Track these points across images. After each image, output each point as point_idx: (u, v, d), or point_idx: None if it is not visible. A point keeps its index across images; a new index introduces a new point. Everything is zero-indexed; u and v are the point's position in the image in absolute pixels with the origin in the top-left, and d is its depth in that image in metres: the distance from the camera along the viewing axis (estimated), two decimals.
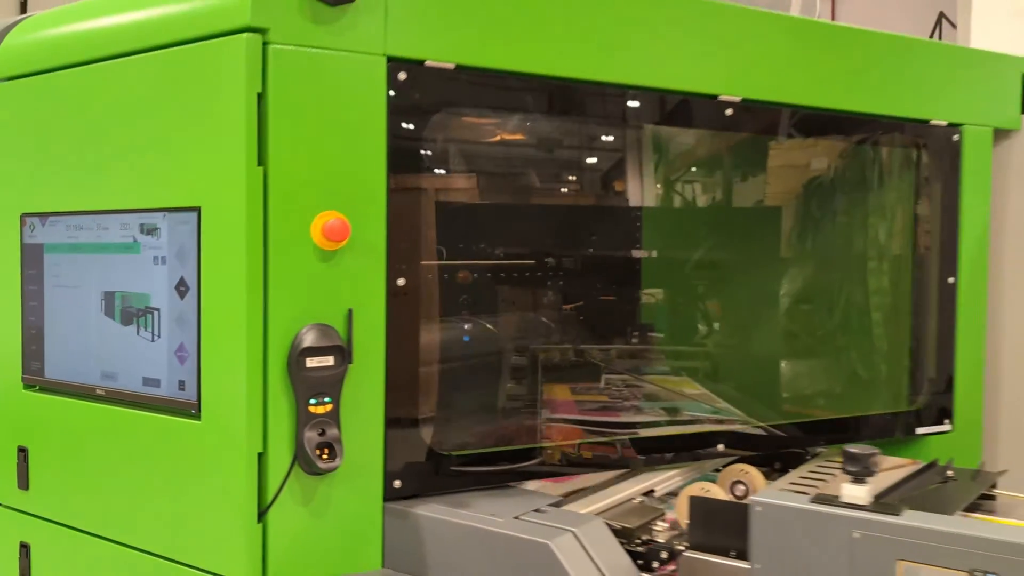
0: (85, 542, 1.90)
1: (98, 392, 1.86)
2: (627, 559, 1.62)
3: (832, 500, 1.48)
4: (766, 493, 1.59)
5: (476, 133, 2.10)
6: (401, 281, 1.71)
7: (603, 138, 2.32)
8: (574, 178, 2.40)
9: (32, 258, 2.00)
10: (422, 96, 1.73)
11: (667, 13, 2.00)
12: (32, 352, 2.01)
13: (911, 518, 1.42)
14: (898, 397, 2.50)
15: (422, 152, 1.78)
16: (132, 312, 1.79)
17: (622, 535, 1.69)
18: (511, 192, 2.10)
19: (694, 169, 2.56)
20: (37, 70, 1.96)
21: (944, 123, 2.42)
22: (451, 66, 1.75)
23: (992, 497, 2.11)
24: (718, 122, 2.08)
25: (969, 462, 2.31)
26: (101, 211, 1.82)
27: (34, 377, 2.00)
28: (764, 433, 2.22)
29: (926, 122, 2.40)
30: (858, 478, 1.47)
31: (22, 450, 2.04)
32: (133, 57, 1.75)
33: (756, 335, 2.61)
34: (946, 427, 2.47)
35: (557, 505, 1.77)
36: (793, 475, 2.09)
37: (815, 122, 2.30)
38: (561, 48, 1.85)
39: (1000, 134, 2.57)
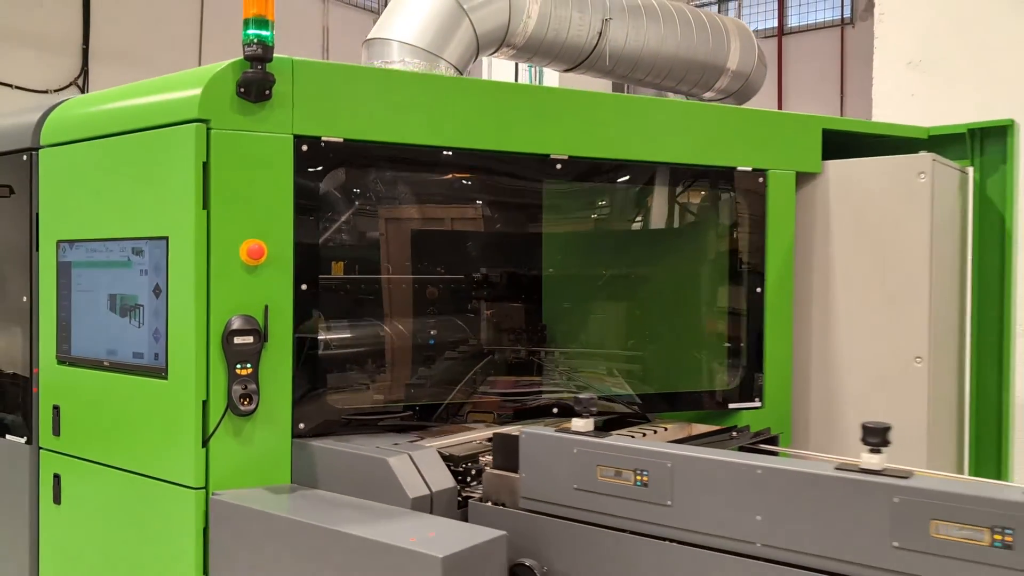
0: (95, 469, 2.72)
1: (104, 364, 2.69)
2: (447, 474, 2.38)
3: (566, 430, 2.23)
4: (529, 430, 2.33)
5: (358, 183, 2.89)
6: (304, 286, 2.51)
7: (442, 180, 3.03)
8: (428, 211, 3.15)
9: (64, 271, 2.85)
10: (319, 160, 2.53)
11: (503, 98, 2.78)
12: (63, 337, 2.84)
13: (608, 439, 2.16)
14: (718, 379, 3.21)
15: (319, 198, 2.58)
16: (127, 308, 2.62)
17: (449, 460, 2.44)
18: (384, 222, 2.89)
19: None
20: (66, 140, 2.81)
21: (750, 168, 3.15)
22: (340, 140, 2.55)
23: (774, 453, 2.83)
24: (551, 173, 2.84)
25: (779, 431, 3.02)
26: (106, 239, 2.65)
27: (64, 355, 2.84)
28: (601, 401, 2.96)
29: (734, 168, 3.13)
30: (584, 415, 2.22)
31: (55, 408, 2.88)
32: (126, 135, 2.58)
33: (618, 329, 3.35)
34: (756, 404, 3.18)
35: (413, 442, 2.53)
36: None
37: (640, 171, 3.05)
38: (419, 126, 2.64)
39: (805, 176, 3.28)
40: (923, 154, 3.09)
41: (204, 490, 2.42)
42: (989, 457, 3.47)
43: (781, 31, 15.79)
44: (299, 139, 2.49)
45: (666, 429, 2.97)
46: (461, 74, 4.86)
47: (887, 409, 3.13)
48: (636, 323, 3.36)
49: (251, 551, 2.28)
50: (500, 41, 5.06)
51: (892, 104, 5.04)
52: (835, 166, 3.25)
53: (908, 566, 1.69)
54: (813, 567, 1.81)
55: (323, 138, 2.52)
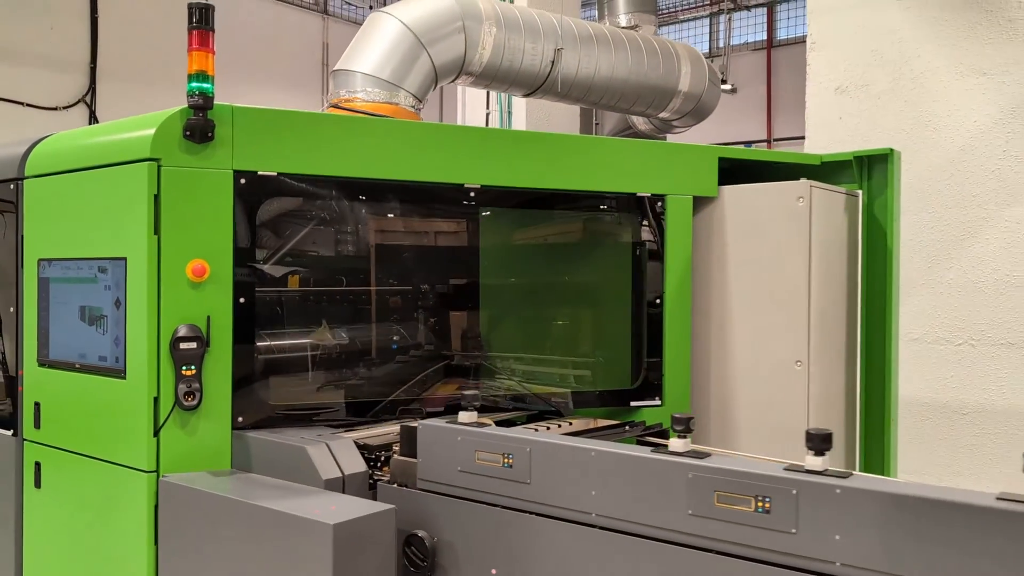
0: (69, 457, 3.15)
1: (76, 366, 3.11)
2: (360, 460, 2.79)
3: (454, 422, 2.63)
4: (426, 422, 2.73)
5: (289, 210, 3.30)
6: (241, 299, 2.93)
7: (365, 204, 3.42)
8: (351, 233, 3.55)
9: (43, 286, 3.28)
10: (255, 191, 2.95)
11: (419, 135, 3.20)
12: (43, 343, 3.28)
13: (484, 429, 2.56)
14: (623, 380, 3.61)
15: (255, 224, 3.00)
16: (94, 317, 3.05)
17: (364, 449, 2.85)
18: (312, 243, 3.32)
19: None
20: (46, 172, 3.25)
21: (649, 194, 3.55)
22: (274, 173, 2.97)
23: (659, 444, 3.21)
24: (465, 200, 3.26)
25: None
26: (77, 258, 3.08)
27: (43, 359, 3.28)
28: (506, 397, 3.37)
29: (634, 194, 3.53)
30: (468, 408, 2.63)
31: (36, 404, 3.31)
32: (92, 170, 3.02)
33: (538, 335, 3.76)
34: (657, 402, 3.58)
35: (335, 434, 2.94)
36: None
37: (552, 198, 3.46)
38: (342, 160, 3.06)
39: (703, 200, 3.67)
40: (802, 181, 3.48)
41: (155, 473, 2.84)
42: (877, 450, 3.84)
43: (771, 44, 16.15)
44: (238, 173, 2.91)
45: (571, 424, 3.38)
46: (421, 101, 5.30)
47: (772, 406, 3.52)
48: (553, 331, 3.77)
49: (192, 525, 2.70)
50: (458, 70, 5.51)
51: (824, 126, 5.43)
52: (729, 191, 3.65)
53: (698, 529, 2.09)
54: (632, 532, 2.21)
55: (259, 172, 2.94)
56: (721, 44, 16.50)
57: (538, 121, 7.13)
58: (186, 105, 2.82)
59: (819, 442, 2.05)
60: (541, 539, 2.39)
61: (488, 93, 7.07)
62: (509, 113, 7.04)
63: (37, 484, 3.30)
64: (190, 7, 2.82)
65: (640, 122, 7.17)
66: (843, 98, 5.34)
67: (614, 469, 2.24)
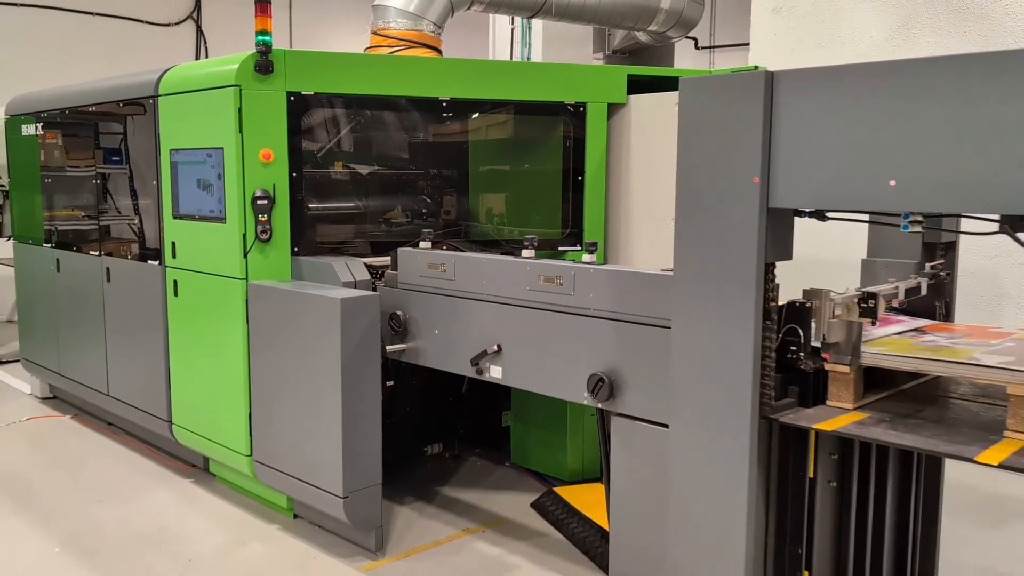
0: (194, 275, 5.03)
1: (196, 216, 4.94)
2: (366, 272, 4.53)
3: (415, 247, 4.34)
4: (405, 248, 4.42)
5: (333, 121, 4.98)
6: (294, 174, 4.66)
7: (393, 116, 5.11)
8: (369, 130, 5.23)
9: (173, 167, 5.10)
10: (300, 104, 4.64)
11: (406, 65, 4.81)
12: (174, 203, 5.10)
13: (432, 250, 4.27)
14: (556, 232, 5.24)
15: (302, 127, 4.70)
16: (205, 185, 4.85)
17: (370, 267, 4.59)
18: (341, 139, 5.02)
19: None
20: (171, 92, 5.01)
21: (573, 102, 5.08)
22: (312, 93, 4.64)
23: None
24: (440, 109, 4.87)
25: None
26: (194, 148, 4.87)
27: (175, 213, 5.11)
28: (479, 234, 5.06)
29: (562, 102, 5.07)
30: (425, 240, 4.32)
31: (172, 243, 5.17)
32: (201, 91, 4.76)
33: (498, 201, 5.42)
34: (578, 248, 5.20)
35: (352, 259, 4.68)
36: None
37: (503, 106, 5.03)
38: (359, 83, 4.70)
39: (616, 106, 5.18)
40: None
41: (245, 280, 4.66)
42: None
43: None
44: (289, 93, 4.60)
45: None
46: (440, 27, 6.87)
47: (651, 245, 5.09)
48: (511, 199, 5.42)
49: (267, 309, 4.52)
50: (470, 2, 7.05)
51: (763, 38, 6.73)
52: (634, 100, 5.15)
53: (532, 297, 3.74)
54: (502, 302, 3.88)
55: (302, 92, 4.62)
56: None
57: (554, 35, 8.54)
58: (255, 50, 4.51)
59: (589, 250, 3.69)
60: (460, 310, 4.09)
61: (513, 19, 8.46)
62: (529, 28, 8.48)
63: (175, 294, 5.21)
64: None
65: (640, 35, 8.50)
66: (777, 17, 6.62)
67: (498, 270, 3.91)
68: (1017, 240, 2.36)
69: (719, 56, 18.23)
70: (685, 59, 18.21)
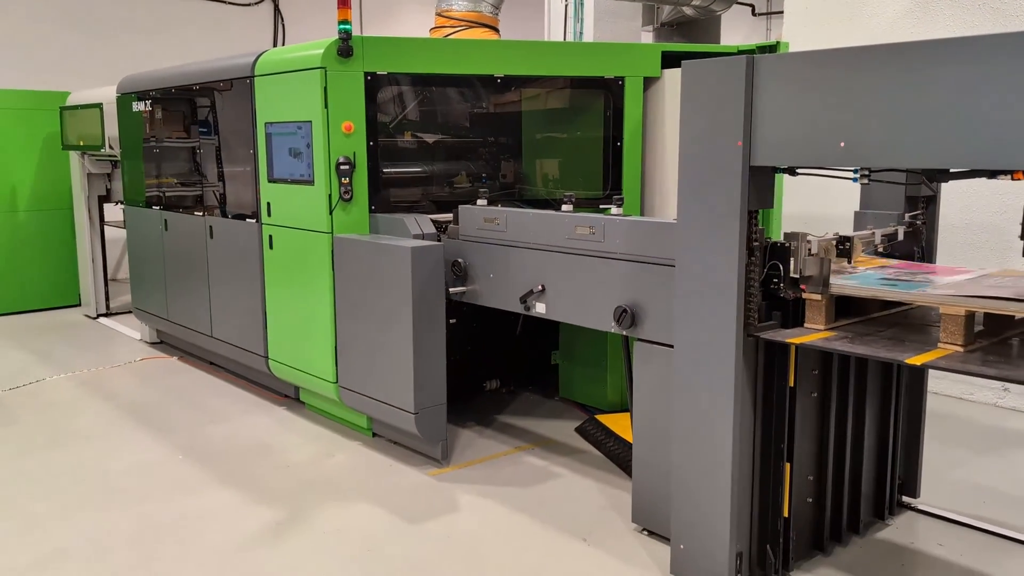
0: (287, 231, 5.88)
1: (288, 180, 5.78)
2: (432, 226, 5.31)
3: (473, 205, 5.10)
4: (466, 206, 5.18)
5: (403, 97, 5.74)
6: (371, 143, 5.45)
7: (462, 93, 5.85)
8: (437, 104, 5.97)
9: (268, 138, 5.94)
10: (376, 83, 5.41)
11: (464, 47, 5.54)
12: (269, 169, 5.95)
13: (488, 207, 5.02)
14: (598, 191, 5.94)
15: (377, 103, 5.48)
16: (295, 153, 5.67)
17: (436, 222, 5.37)
18: (427, 117, 5.78)
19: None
20: (266, 73, 5.84)
21: (613, 76, 5.75)
22: (386, 73, 5.41)
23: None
24: (494, 85, 5.60)
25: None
26: (286, 121, 5.69)
27: (271, 177, 5.95)
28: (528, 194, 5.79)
29: (603, 77, 5.74)
30: (482, 198, 5.08)
31: (268, 203, 6.04)
32: (291, 72, 5.57)
33: (547, 166, 6.14)
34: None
35: (424, 215, 5.47)
36: None
37: (550, 81, 5.73)
38: (425, 63, 5.46)
39: (651, 80, 5.83)
40: None
41: (331, 234, 5.48)
42: None
43: None
44: (366, 74, 5.38)
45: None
46: (498, 8, 7.57)
47: None
48: (558, 163, 6.13)
49: (350, 258, 5.34)
50: None
51: (796, 15, 7.26)
52: (668, 73, 5.78)
53: (570, 244, 4.47)
54: (547, 249, 4.61)
55: (377, 72, 5.40)
56: None
57: (605, 10, 9.15)
58: (338, 36, 5.30)
59: (617, 204, 4.39)
60: (511, 257, 4.85)
61: None
62: (581, 5, 9.09)
63: (271, 247, 6.08)
64: None
65: (687, 9, 9.04)
66: None
67: (542, 222, 4.65)
68: (929, 186, 3.01)
69: (776, 22, 18.54)
70: (742, 25, 18.51)
